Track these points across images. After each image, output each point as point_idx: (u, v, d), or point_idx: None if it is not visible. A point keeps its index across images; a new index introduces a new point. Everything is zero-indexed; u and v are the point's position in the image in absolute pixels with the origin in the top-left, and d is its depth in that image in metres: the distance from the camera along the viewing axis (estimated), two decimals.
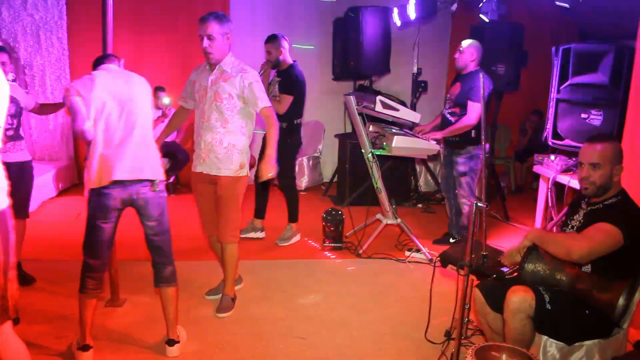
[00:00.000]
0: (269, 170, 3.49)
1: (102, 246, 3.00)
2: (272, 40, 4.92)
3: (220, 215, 3.64)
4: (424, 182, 7.55)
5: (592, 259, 2.46)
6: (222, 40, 3.44)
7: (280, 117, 4.90)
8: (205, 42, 3.41)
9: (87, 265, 3.00)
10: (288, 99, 4.83)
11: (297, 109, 4.93)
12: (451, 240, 5.18)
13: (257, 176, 5.24)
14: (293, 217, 5.24)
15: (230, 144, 3.54)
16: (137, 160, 2.96)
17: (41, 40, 6.75)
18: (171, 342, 3.18)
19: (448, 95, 5.06)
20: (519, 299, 2.52)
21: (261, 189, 5.24)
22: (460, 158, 4.88)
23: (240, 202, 3.67)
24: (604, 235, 2.44)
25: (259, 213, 5.32)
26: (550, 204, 4.60)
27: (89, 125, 2.87)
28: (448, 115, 4.96)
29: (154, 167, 3.03)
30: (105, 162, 2.91)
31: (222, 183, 3.57)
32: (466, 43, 4.86)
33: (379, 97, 4.62)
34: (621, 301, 2.39)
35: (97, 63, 3.15)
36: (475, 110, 4.64)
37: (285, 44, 4.94)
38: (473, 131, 4.74)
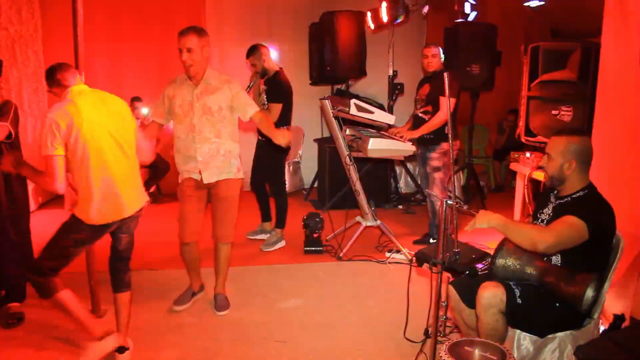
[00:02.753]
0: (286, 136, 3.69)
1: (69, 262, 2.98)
2: (253, 52, 4.97)
3: (222, 217, 3.78)
4: (404, 183, 7.60)
5: (557, 250, 2.51)
6: (200, 53, 3.52)
7: None
8: (185, 55, 3.49)
9: (51, 268, 2.89)
10: (277, 107, 4.87)
11: (285, 115, 4.96)
12: (431, 240, 5.22)
13: (251, 182, 5.33)
14: (280, 222, 5.29)
15: (227, 150, 3.68)
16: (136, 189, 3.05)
17: (17, 54, 6.72)
18: (122, 350, 3.16)
19: (417, 97, 5.15)
20: (490, 294, 2.56)
21: (258, 193, 5.36)
22: (433, 153, 4.96)
23: (237, 203, 3.82)
24: (569, 228, 2.48)
25: (266, 216, 5.47)
26: (527, 201, 4.66)
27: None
28: (422, 115, 5.03)
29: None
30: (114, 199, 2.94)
31: (224, 186, 3.70)
32: (434, 49, 5.00)
33: (353, 100, 4.65)
34: (590, 292, 2.44)
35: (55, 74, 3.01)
36: (447, 104, 4.72)
37: (265, 51, 4.97)
38: (446, 127, 4.83)
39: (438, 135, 4.89)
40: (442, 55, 5.00)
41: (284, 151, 5.12)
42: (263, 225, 5.51)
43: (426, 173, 5.11)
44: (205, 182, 3.67)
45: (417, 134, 4.95)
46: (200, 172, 3.65)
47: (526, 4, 4.84)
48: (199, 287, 4.07)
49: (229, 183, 3.71)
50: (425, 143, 5.03)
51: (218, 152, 3.64)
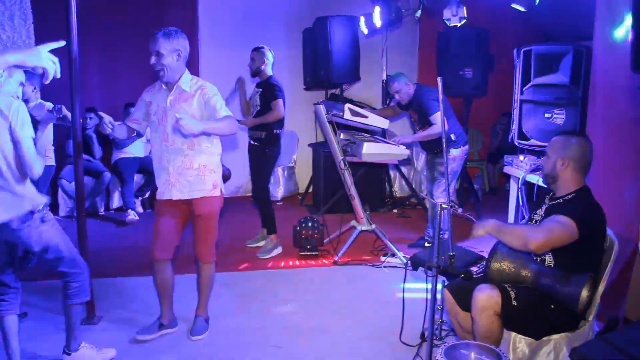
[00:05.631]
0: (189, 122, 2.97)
1: None
2: (258, 49, 4.98)
3: (199, 236, 3.51)
4: (398, 187, 7.61)
5: (548, 248, 2.53)
6: (171, 58, 3.29)
7: (259, 126, 4.89)
8: (153, 59, 3.30)
9: None
10: (279, 103, 4.81)
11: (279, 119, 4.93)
12: (426, 244, 5.24)
13: (252, 191, 5.30)
14: (271, 229, 5.21)
15: (201, 165, 3.40)
16: None
17: None
18: None
19: (412, 119, 5.23)
20: (485, 296, 2.57)
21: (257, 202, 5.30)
22: (442, 160, 4.99)
23: (216, 221, 3.54)
24: (559, 226, 2.50)
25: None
26: (521, 203, 4.68)
27: None
28: None
29: None
30: None
31: (197, 204, 3.42)
32: (394, 82, 5.04)
33: (347, 105, 4.67)
34: (584, 293, 2.46)
35: None
36: (439, 119, 4.76)
37: (270, 56, 4.96)
38: (453, 135, 4.88)
39: (447, 143, 4.91)
40: (406, 84, 5.01)
41: (274, 156, 5.09)
42: (263, 231, 5.39)
43: (433, 178, 5.14)
44: (174, 198, 3.39)
45: (409, 139, 5.06)
46: (170, 187, 3.41)
47: (513, 6, 4.81)
48: (168, 320, 3.65)
49: (203, 201, 3.42)
50: (434, 150, 5.08)
51: (191, 166, 3.36)
